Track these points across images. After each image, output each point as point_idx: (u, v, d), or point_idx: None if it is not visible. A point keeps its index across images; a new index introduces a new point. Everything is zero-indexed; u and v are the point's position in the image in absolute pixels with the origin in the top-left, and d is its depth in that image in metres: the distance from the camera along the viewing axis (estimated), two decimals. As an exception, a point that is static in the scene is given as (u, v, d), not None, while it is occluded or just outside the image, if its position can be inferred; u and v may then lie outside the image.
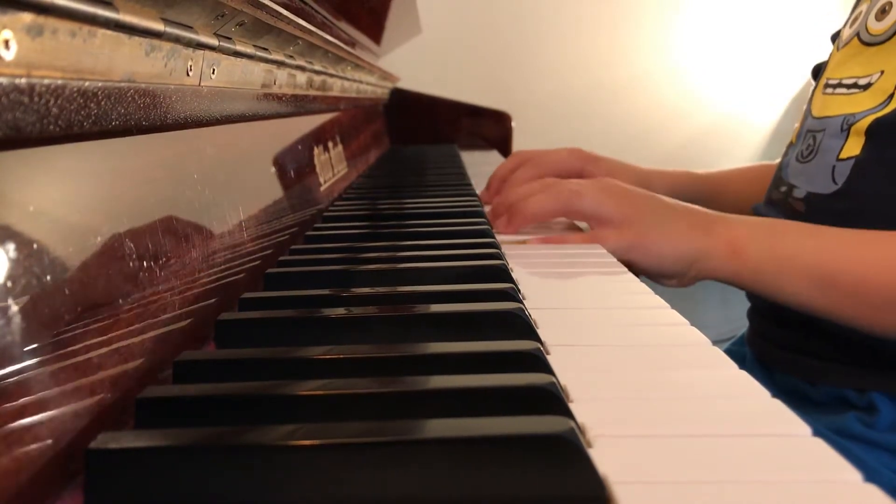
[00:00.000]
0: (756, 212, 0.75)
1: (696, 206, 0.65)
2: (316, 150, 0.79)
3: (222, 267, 0.43)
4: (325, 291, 0.45)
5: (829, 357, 0.64)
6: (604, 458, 0.25)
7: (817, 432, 0.27)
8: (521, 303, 0.42)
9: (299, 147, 0.73)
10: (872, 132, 0.62)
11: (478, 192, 0.88)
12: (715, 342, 0.37)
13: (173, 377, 0.33)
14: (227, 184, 0.47)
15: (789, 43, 2.30)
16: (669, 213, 0.64)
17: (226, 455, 0.24)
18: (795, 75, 2.26)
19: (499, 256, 0.53)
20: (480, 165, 1.28)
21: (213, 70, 0.44)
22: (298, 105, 0.73)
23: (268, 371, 0.33)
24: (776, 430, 0.27)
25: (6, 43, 0.23)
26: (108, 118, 0.31)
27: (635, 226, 0.62)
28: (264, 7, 0.48)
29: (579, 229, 0.69)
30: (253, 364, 0.33)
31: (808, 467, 0.25)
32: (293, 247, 0.59)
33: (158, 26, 0.34)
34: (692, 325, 0.40)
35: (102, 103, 0.30)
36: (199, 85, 0.43)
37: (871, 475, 0.24)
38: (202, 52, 0.42)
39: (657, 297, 0.46)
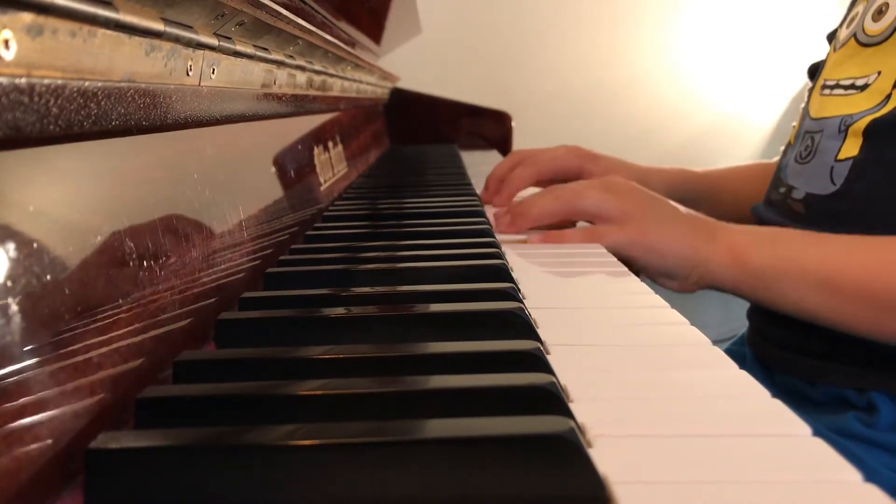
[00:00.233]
0: (755, 212, 0.75)
1: (700, 215, 0.66)
2: (316, 150, 0.79)
3: (222, 266, 0.43)
4: (325, 291, 0.45)
5: (828, 357, 0.64)
6: (604, 457, 0.25)
7: (817, 432, 0.27)
8: (521, 302, 0.42)
9: (299, 147, 0.73)
10: (870, 133, 0.62)
11: (478, 191, 0.88)
12: (715, 342, 0.37)
13: (173, 377, 0.33)
14: (227, 183, 0.47)
15: (788, 43, 2.30)
16: (672, 214, 0.64)
17: (226, 455, 0.24)
18: (795, 75, 2.26)
19: (499, 256, 0.53)
20: (480, 165, 1.28)
21: (213, 70, 0.44)
22: (298, 105, 0.73)
23: (268, 371, 0.33)
24: (776, 429, 0.27)
25: (6, 43, 0.23)
26: (108, 118, 0.31)
27: (637, 223, 0.62)
28: (264, 7, 0.48)
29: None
30: (253, 364, 0.33)
31: (808, 467, 0.25)
32: (293, 246, 0.59)
33: (158, 26, 0.34)
34: (692, 324, 0.40)
35: (102, 103, 0.30)
36: (199, 85, 0.43)
37: (871, 475, 0.24)
38: (202, 51, 0.42)
39: (657, 296, 0.46)
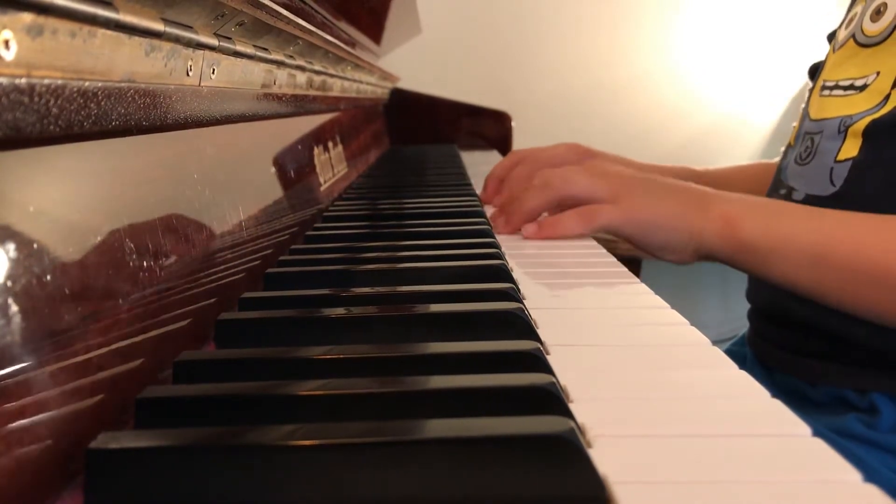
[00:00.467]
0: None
1: (692, 184, 0.65)
2: (316, 150, 0.79)
3: (222, 267, 0.43)
4: (325, 291, 0.45)
5: (829, 357, 0.64)
6: (604, 458, 0.25)
7: (817, 432, 0.27)
8: (521, 302, 0.42)
9: (299, 147, 0.73)
10: (869, 133, 0.62)
11: (478, 191, 0.88)
12: (715, 342, 0.37)
13: (173, 377, 0.33)
14: (227, 184, 0.47)
15: (788, 43, 2.30)
16: (663, 188, 0.63)
17: (226, 455, 0.24)
18: (795, 75, 2.26)
19: (499, 256, 0.53)
20: (480, 165, 1.28)
21: (213, 70, 0.44)
22: (298, 105, 0.73)
23: (268, 371, 0.33)
24: (776, 430, 0.27)
25: (6, 43, 0.23)
26: (108, 118, 0.31)
27: (628, 200, 0.62)
28: (264, 7, 0.48)
29: None
30: (253, 364, 0.33)
31: (808, 467, 0.25)
32: (293, 246, 0.59)
33: (158, 26, 0.34)
34: (692, 325, 0.40)
35: (102, 103, 0.30)
36: (199, 85, 0.43)
37: (871, 475, 0.24)
38: (202, 52, 0.42)
39: (657, 297, 0.46)
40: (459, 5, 2.21)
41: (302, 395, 0.29)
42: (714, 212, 0.60)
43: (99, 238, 0.30)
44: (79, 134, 0.29)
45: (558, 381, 0.30)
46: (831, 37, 0.76)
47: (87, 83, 0.29)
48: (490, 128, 1.76)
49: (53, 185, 0.28)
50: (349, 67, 0.99)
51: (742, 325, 0.79)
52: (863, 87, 0.65)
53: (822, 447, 0.26)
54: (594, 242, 0.63)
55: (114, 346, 0.29)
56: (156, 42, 0.35)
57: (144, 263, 0.33)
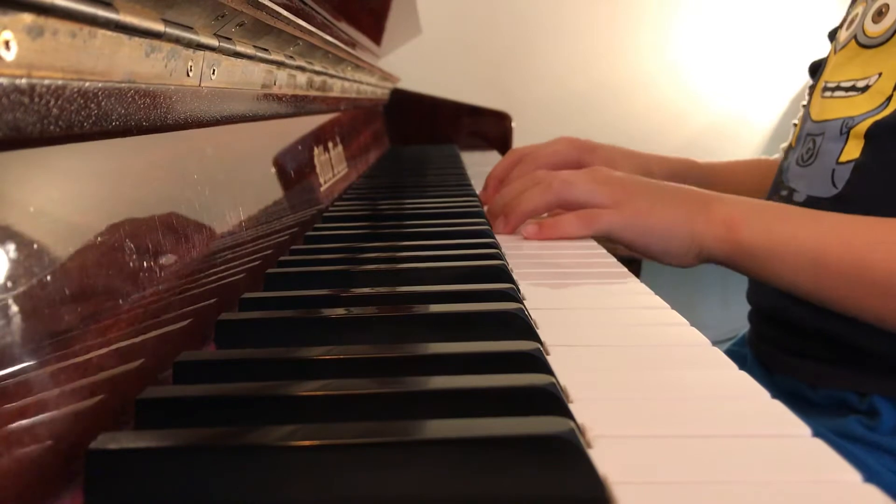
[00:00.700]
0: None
1: (693, 187, 0.65)
2: (316, 151, 0.79)
3: (222, 267, 0.43)
4: (326, 292, 0.45)
5: (829, 360, 0.64)
6: (604, 458, 0.25)
7: (818, 433, 0.27)
8: (521, 303, 0.42)
9: (299, 147, 0.73)
10: (872, 135, 0.62)
11: (477, 192, 0.88)
12: (714, 343, 0.37)
13: (173, 377, 0.33)
14: (227, 184, 0.47)
15: (788, 43, 2.30)
16: (663, 193, 0.63)
17: (226, 456, 0.24)
18: (795, 75, 2.26)
19: (499, 257, 0.53)
20: (480, 165, 1.28)
21: (214, 70, 0.44)
22: (298, 105, 0.73)
23: (268, 371, 0.33)
24: (776, 430, 0.27)
25: (7, 44, 0.23)
26: (108, 119, 0.31)
27: (629, 205, 0.62)
28: (264, 8, 0.48)
29: None
30: (253, 364, 0.33)
31: (808, 467, 0.25)
32: (293, 247, 0.59)
33: (158, 27, 0.34)
34: (692, 325, 0.40)
35: (103, 104, 0.30)
36: (200, 85, 0.43)
37: (871, 477, 0.24)
38: (202, 52, 0.42)
39: (657, 297, 0.46)
40: (459, 5, 2.21)
41: (302, 395, 0.29)
42: (715, 215, 0.60)
43: (99, 238, 0.30)
44: (79, 134, 0.29)
45: (558, 382, 0.30)
46: (832, 35, 0.76)
47: (87, 84, 0.29)
48: (490, 128, 1.76)
49: (54, 186, 0.28)
50: (349, 68, 0.99)
51: (742, 326, 0.79)
52: (865, 89, 0.65)
53: (822, 448, 0.26)
54: (594, 243, 0.63)
55: (114, 347, 0.29)
56: (156, 43, 0.35)
57: (145, 264, 0.33)
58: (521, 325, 0.38)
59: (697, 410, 0.29)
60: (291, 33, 0.58)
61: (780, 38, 2.31)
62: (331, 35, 0.75)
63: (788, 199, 0.70)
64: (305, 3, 0.63)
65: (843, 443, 0.59)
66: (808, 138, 0.70)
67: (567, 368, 0.33)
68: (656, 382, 0.32)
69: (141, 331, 0.32)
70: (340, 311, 0.40)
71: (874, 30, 0.66)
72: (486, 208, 0.75)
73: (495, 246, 0.57)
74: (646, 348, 0.37)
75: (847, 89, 0.67)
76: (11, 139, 0.24)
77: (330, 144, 0.89)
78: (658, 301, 0.45)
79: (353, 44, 0.95)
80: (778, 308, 0.69)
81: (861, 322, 0.58)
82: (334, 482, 0.24)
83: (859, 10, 0.70)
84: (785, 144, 0.79)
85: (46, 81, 0.26)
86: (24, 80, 0.24)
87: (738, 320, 0.82)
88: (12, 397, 0.23)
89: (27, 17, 0.24)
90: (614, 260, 0.58)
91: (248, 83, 0.53)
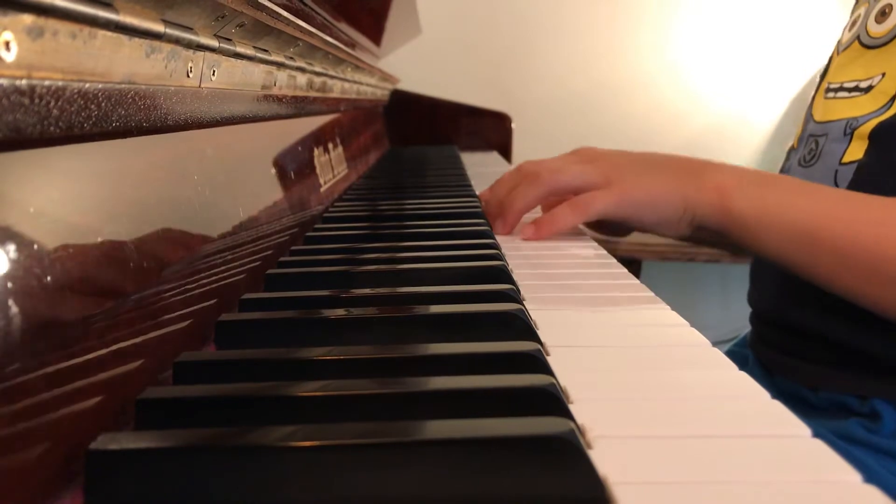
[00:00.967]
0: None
1: (686, 155, 0.64)
2: (316, 152, 0.79)
3: (222, 268, 0.43)
4: (326, 292, 0.45)
5: (829, 363, 0.64)
6: (604, 459, 0.25)
7: (818, 434, 0.27)
8: (521, 303, 0.42)
9: (299, 148, 0.73)
10: (876, 136, 0.62)
11: (478, 192, 0.88)
12: (715, 343, 0.37)
13: (173, 378, 0.33)
14: (227, 185, 0.47)
15: (789, 43, 2.30)
16: (653, 163, 0.63)
17: (226, 456, 0.24)
18: (796, 76, 2.26)
19: (499, 257, 0.53)
20: (480, 166, 1.28)
21: (214, 71, 0.44)
22: (298, 106, 0.73)
23: (268, 372, 0.33)
24: (776, 430, 0.27)
25: (7, 44, 0.23)
26: (108, 120, 0.31)
27: (620, 182, 0.61)
28: (264, 8, 0.48)
29: None
30: (253, 365, 0.33)
31: (808, 468, 0.25)
32: (293, 247, 0.59)
33: (158, 28, 0.34)
34: (692, 326, 0.40)
35: (103, 105, 0.30)
36: (200, 86, 0.43)
37: (872, 478, 0.24)
38: (202, 53, 0.42)
39: (657, 297, 0.46)
40: (459, 5, 2.21)
41: (302, 395, 0.29)
42: (707, 182, 0.59)
43: (99, 239, 0.30)
44: (79, 135, 0.29)
45: (558, 382, 0.30)
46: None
47: (87, 84, 0.29)
48: (490, 129, 1.76)
49: (54, 187, 0.28)
50: (349, 69, 0.99)
51: (742, 326, 0.79)
52: (868, 89, 0.65)
53: (822, 448, 0.26)
54: (594, 243, 0.63)
55: (114, 347, 0.29)
56: (156, 43, 0.35)
57: (145, 264, 0.33)
58: (522, 326, 0.38)
59: (697, 411, 0.29)
60: (291, 34, 0.58)
61: (780, 39, 2.31)
62: (331, 36, 0.75)
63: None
64: (305, 4, 0.63)
65: (843, 444, 0.59)
66: (811, 139, 0.70)
67: (567, 369, 0.33)
68: (656, 383, 0.32)
69: (141, 331, 0.32)
70: (341, 312, 0.40)
71: (877, 30, 0.66)
72: (485, 209, 0.75)
73: (495, 246, 0.57)
74: (646, 349, 0.37)
75: (850, 90, 0.67)
76: (11, 140, 0.24)
77: (330, 145, 0.89)
78: (658, 301, 0.45)
79: (352, 44, 0.95)
80: (778, 310, 0.69)
81: (860, 324, 0.58)
82: (334, 482, 0.24)
83: (862, 10, 0.70)
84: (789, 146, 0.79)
85: (47, 82, 0.26)
86: (24, 81, 0.24)
87: (739, 321, 0.82)
88: (12, 397, 0.23)
89: (27, 18, 0.24)
90: (614, 261, 0.58)
91: (248, 84, 0.54)
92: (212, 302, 0.41)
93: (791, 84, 2.31)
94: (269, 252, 0.54)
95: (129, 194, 0.34)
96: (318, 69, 0.77)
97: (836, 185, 0.64)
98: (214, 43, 0.42)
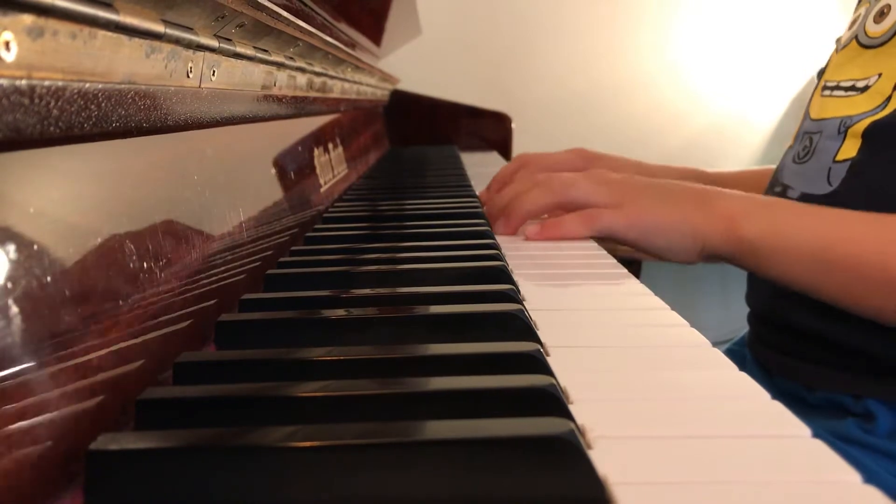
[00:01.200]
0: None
1: (695, 184, 0.65)
2: (316, 152, 0.79)
3: (222, 268, 0.43)
4: (326, 293, 0.45)
5: (825, 363, 0.64)
6: (604, 459, 0.25)
7: (817, 434, 0.27)
8: (521, 304, 0.42)
9: (299, 148, 0.73)
10: (869, 134, 0.62)
11: (478, 192, 0.88)
12: (714, 343, 0.37)
13: (173, 378, 0.33)
14: (227, 185, 0.47)
15: (790, 43, 2.30)
16: (664, 191, 0.63)
17: (226, 456, 0.24)
18: (796, 76, 2.26)
19: (499, 258, 0.53)
20: (480, 166, 1.28)
21: (214, 72, 0.44)
22: (298, 107, 0.73)
23: (268, 372, 0.33)
24: (775, 431, 0.27)
25: (7, 44, 0.23)
26: (108, 120, 0.31)
27: (631, 206, 0.61)
28: (264, 9, 0.48)
29: None
30: (253, 365, 0.33)
31: (808, 468, 0.25)
32: (293, 248, 0.59)
33: (158, 28, 0.34)
34: (692, 326, 0.40)
35: (103, 105, 0.30)
36: (199, 86, 0.43)
37: (870, 478, 0.24)
38: (202, 53, 0.42)
39: (657, 298, 0.46)
40: (459, 5, 2.21)
41: (302, 396, 0.29)
42: (716, 211, 0.60)
43: (99, 239, 0.30)
44: (79, 135, 0.29)
45: (558, 383, 0.30)
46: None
47: (87, 85, 0.29)
48: (490, 129, 1.76)
49: (54, 187, 0.28)
50: (349, 69, 0.99)
51: (742, 327, 0.79)
52: (864, 89, 0.65)
53: (821, 448, 0.26)
54: (594, 244, 0.63)
55: (114, 348, 0.29)
56: (156, 44, 0.35)
57: (145, 265, 0.33)
58: (522, 326, 0.38)
59: (697, 411, 0.29)
60: (291, 34, 0.58)
61: (780, 39, 2.31)
62: (331, 36, 0.75)
63: (782, 196, 0.70)
64: (305, 4, 0.63)
65: (841, 445, 0.59)
66: (806, 136, 0.70)
67: (567, 369, 0.33)
68: (656, 383, 0.32)
69: (141, 332, 0.32)
70: (340, 312, 0.40)
71: (875, 30, 0.66)
72: (486, 209, 0.75)
73: (495, 247, 0.57)
74: (646, 349, 0.37)
75: (847, 89, 0.67)
76: (11, 140, 0.24)
77: (330, 145, 0.89)
78: (658, 302, 0.45)
79: (352, 45, 0.95)
80: (775, 311, 0.69)
81: (857, 325, 0.58)
82: (335, 483, 0.24)
83: (862, 10, 0.70)
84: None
85: (47, 82, 0.26)
86: (24, 82, 0.24)
87: (738, 321, 0.82)
88: (13, 398, 0.23)
89: (27, 18, 0.24)
90: (614, 261, 0.58)
91: (248, 84, 0.54)
92: (212, 302, 0.41)
93: (791, 84, 2.31)
94: (269, 252, 0.54)
95: (129, 194, 0.34)
96: (318, 69, 0.77)
97: (829, 181, 0.64)
98: (214, 43, 0.42)
